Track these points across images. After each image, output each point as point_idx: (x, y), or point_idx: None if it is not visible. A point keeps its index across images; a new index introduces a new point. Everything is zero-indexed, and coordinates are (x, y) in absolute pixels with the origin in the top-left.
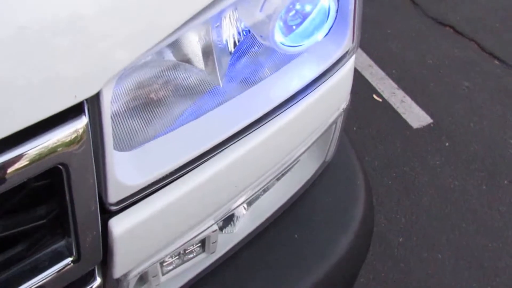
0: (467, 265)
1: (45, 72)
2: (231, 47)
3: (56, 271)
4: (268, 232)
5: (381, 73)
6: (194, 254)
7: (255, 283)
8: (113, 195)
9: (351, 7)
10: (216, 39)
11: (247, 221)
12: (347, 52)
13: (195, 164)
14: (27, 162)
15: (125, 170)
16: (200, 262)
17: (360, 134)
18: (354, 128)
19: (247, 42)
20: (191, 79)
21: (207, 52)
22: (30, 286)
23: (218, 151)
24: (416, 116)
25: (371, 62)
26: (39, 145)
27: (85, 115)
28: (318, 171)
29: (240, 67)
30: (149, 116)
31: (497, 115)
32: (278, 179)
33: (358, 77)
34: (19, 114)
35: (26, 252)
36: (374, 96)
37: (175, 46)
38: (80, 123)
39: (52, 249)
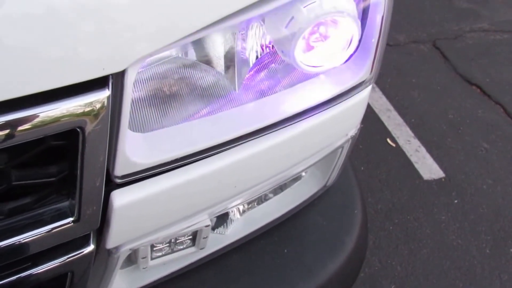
0: None
1: (81, 45)
2: (252, 59)
3: (56, 227)
4: (259, 242)
5: (399, 119)
6: (184, 246)
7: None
8: (120, 169)
9: (375, 40)
10: (240, 47)
11: (240, 226)
12: (363, 81)
13: (200, 157)
14: (53, 118)
15: (134, 148)
16: (188, 256)
17: (366, 175)
18: (362, 168)
19: (268, 58)
20: (208, 80)
21: (229, 57)
22: (30, 236)
23: (223, 149)
24: (428, 167)
25: (390, 107)
26: (65, 106)
27: (108, 89)
28: (317, 193)
29: (257, 78)
30: (164, 107)
31: None
32: (275, 194)
33: (374, 119)
34: (55, 75)
35: (32, 205)
36: (388, 140)
37: (199, 45)
38: (103, 95)
39: (55, 207)
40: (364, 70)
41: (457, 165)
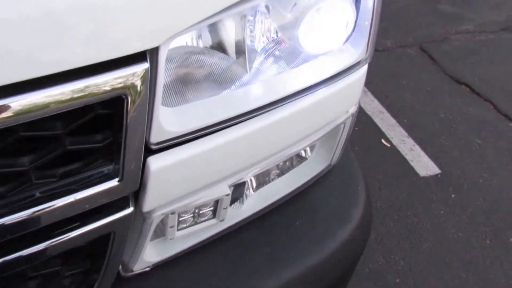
0: None
1: (125, 25)
2: (260, 46)
3: (102, 188)
4: (272, 216)
5: (392, 120)
6: (206, 218)
7: (256, 258)
8: (155, 136)
9: (368, 23)
10: (249, 35)
11: (254, 202)
12: (359, 61)
13: (220, 127)
14: (104, 86)
15: (166, 119)
16: (209, 228)
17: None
18: None
19: (273, 44)
20: (223, 65)
21: (240, 45)
22: (81, 196)
23: (240, 120)
24: (424, 165)
25: (383, 109)
26: (113, 76)
27: (147, 61)
28: (322, 171)
29: (265, 63)
30: (186, 90)
31: (508, 175)
32: (285, 172)
33: (368, 122)
34: (105, 51)
35: (82, 169)
36: (383, 141)
37: (214, 34)
38: (143, 67)
39: (102, 170)
40: (360, 50)
41: (452, 161)
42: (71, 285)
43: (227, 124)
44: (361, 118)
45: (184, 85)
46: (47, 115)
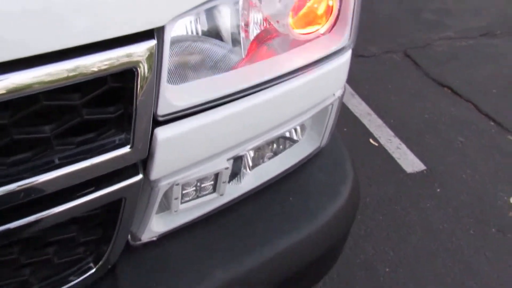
0: None
1: (133, 4)
2: (253, 34)
3: (116, 154)
4: (267, 193)
5: (379, 121)
6: (207, 192)
7: (253, 230)
8: (162, 109)
9: (350, 12)
10: (243, 24)
11: (251, 179)
12: (344, 47)
13: (218, 102)
14: (115, 59)
15: (171, 94)
16: (210, 202)
17: None
18: None
19: (265, 33)
20: (220, 52)
21: (234, 30)
22: (96, 161)
23: (237, 97)
24: (410, 162)
25: (370, 111)
26: (126, 51)
27: (154, 39)
28: (313, 153)
29: (259, 50)
30: (186, 73)
31: (489, 170)
32: (278, 153)
33: (356, 122)
34: (116, 27)
35: (97, 138)
36: (371, 140)
37: (211, 21)
38: (151, 43)
39: (114, 139)
40: (344, 37)
41: (436, 158)
42: (84, 253)
43: (224, 100)
44: (350, 119)
45: (184, 69)
46: (69, 84)
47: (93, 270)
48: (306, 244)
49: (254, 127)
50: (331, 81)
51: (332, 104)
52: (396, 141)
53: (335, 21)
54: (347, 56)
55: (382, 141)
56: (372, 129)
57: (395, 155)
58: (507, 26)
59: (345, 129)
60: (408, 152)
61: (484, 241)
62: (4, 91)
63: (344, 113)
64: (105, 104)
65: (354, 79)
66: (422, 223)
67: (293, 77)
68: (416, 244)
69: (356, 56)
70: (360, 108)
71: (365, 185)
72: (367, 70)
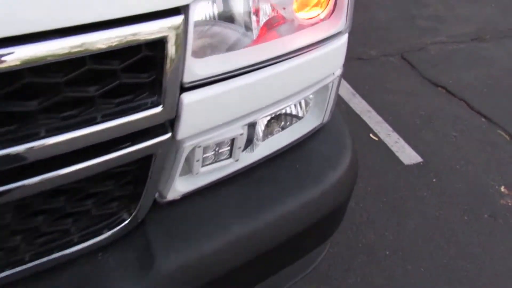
0: (447, 281)
1: None
2: (263, 19)
3: (149, 113)
4: (277, 160)
5: (378, 117)
6: (224, 157)
7: (265, 191)
8: (187, 77)
9: (346, 0)
10: (253, 10)
11: (262, 149)
12: (341, 31)
13: (234, 74)
14: (150, 31)
15: (195, 64)
16: (227, 167)
17: None
18: None
19: (273, 20)
20: (234, 35)
21: (246, 18)
22: (132, 118)
23: (250, 69)
24: (408, 155)
25: (370, 108)
26: (159, 24)
27: (182, 14)
28: (316, 127)
29: (267, 34)
30: (207, 50)
31: (481, 162)
32: (285, 128)
33: (357, 119)
34: (151, 3)
35: (133, 99)
36: (371, 135)
37: (227, 6)
38: (180, 18)
39: (147, 101)
40: (341, 22)
41: (432, 151)
42: (118, 208)
43: (240, 72)
44: (351, 116)
45: (203, 49)
46: (111, 50)
47: (125, 223)
48: (312, 205)
49: (265, 97)
50: (330, 60)
51: (332, 82)
52: (395, 135)
53: (334, 7)
54: (344, 39)
55: (382, 136)
56: (371, 125)
57: (394, 148)
58: (496, 31)
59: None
60: (406, 146)
61: (477, 226)
62: (65, 51)
63: (345, 111)
64: (139, 71)
65: (354, 80)
66: (419, 210)
67: (298, 55)
68: (414, 229)
69: (356, 59)
70: (360, 106)
71: (366, 176)
72: (366, 72)
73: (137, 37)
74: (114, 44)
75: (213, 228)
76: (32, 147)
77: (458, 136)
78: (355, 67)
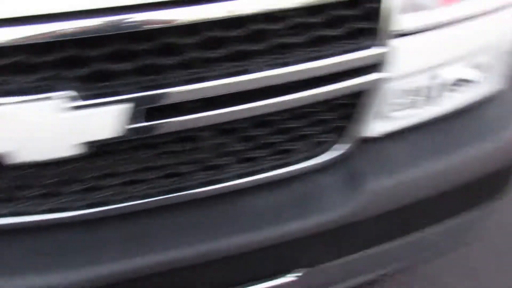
0: None
1: None
2: None
3: (373, 52)
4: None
5: None
6: (420, 104)
7: (452, 139)
8: (398, 25)
9: None
10: None
11: (447, 103)
12: None
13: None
14: None
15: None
16: (418, 114)
17: None
18: None
19: None
20: None
21: None
22: (351, 58)
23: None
24: None
25: None
26: None
27: None
28: (494, 92)
29: None
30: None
31: None
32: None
33: None
34: None
35: (360, 42)
36: None
37: None
38: None
39: (370, 43)
40: None
41: None
42: (329, 136)
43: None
44: None
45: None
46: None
47: (338, 154)
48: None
49: (457, 48)
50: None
51: None
52: None
53: None
54: None
55: None
56: None
57: None
58: None
59: None
60: None
61: None
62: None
63: None
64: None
65: None
66: None
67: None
68: None
69: None
70: None
71: None
72: None
73: None
74: None
75: (406, 165)
76: (291, 71)
77: None
78: None
